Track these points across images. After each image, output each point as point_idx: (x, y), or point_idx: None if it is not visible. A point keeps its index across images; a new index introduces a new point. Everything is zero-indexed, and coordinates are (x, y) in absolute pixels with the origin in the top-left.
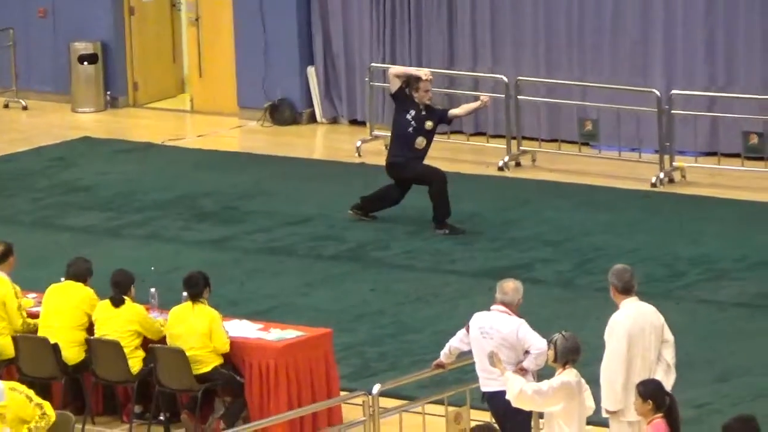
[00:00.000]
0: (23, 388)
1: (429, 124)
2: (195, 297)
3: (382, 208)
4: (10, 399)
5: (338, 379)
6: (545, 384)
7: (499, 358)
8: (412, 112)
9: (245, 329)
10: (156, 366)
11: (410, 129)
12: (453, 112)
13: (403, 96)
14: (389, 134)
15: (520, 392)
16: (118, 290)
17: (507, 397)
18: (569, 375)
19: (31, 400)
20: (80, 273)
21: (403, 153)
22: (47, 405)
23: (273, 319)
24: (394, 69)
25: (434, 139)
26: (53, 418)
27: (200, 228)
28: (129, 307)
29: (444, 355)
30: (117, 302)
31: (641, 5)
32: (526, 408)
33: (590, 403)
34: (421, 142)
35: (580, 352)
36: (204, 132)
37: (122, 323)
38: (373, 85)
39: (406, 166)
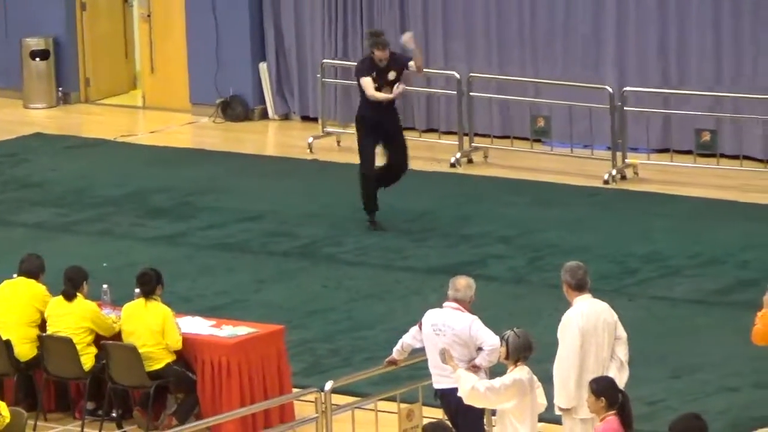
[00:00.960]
0: None
1: (392, 74)
2: (148, 294)
3: (376, 203)
4: None
5: (290, 376)
6: (497, 381)
7: (451, 355)
8: (374, 73)
9: (198, 326)
10: (108, 363)
11: (375, 86)
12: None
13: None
14: (341, 130)
15: (472, 389)
16: (71, 284)
17: (459, 394)
18: (521, 372)
19: None
20: (32, 269)
21: (371, 105)
22: (3, 405)
23: (225, 315)
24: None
25: None
26: (8, 419)
27: (153, 224)
28: (81, 304)
29: (396, 352)
30: (69, 296)
31: (593, 1)
32: (479, 405)
33: (542, 400)
34: (386, 92)
35: (532, 349)
36: (156, 128)
37: (74, 320)
38: (325, 82)
39: (380, 120)
